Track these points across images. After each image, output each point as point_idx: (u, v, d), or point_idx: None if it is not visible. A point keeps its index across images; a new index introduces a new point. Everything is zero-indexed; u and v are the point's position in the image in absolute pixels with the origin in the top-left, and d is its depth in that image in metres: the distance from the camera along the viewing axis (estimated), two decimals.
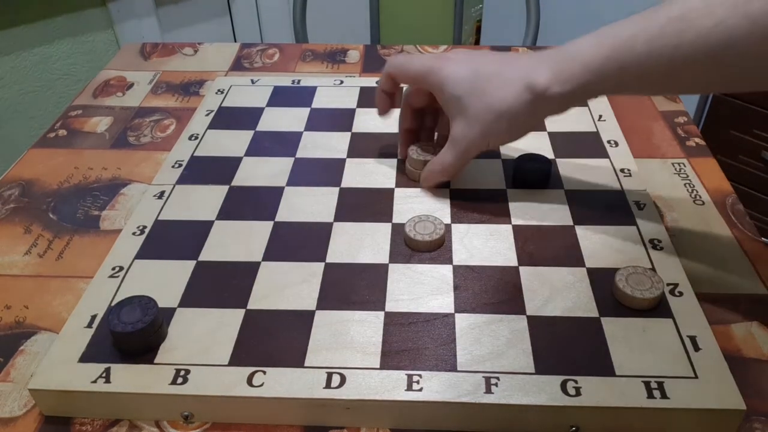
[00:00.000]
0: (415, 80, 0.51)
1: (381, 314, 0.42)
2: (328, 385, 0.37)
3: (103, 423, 0.38)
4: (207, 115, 0.64)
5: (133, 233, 0.49)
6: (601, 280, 0.44)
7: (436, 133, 0.57)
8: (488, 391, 0.36)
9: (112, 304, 0.43)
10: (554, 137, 0.59)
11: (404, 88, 0.55)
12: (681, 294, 0.42)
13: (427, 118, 0.57)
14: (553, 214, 0.50)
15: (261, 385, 0.37)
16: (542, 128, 0.60)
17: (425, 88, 0.51)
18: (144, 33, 1.49)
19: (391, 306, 0.42)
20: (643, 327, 0.40)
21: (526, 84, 0.44)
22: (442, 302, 0.42)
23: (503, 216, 0.50)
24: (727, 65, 0.38)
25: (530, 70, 0.44)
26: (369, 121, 0.63)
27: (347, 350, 0.39)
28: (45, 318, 0.45)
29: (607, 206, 0.50)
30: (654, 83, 0.42)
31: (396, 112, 0.56)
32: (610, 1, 1.54)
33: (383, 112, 0.55)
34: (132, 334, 0.38)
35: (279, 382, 0.37)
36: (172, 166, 0.57)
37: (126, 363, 0.39)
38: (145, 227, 0.50)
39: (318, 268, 0.45)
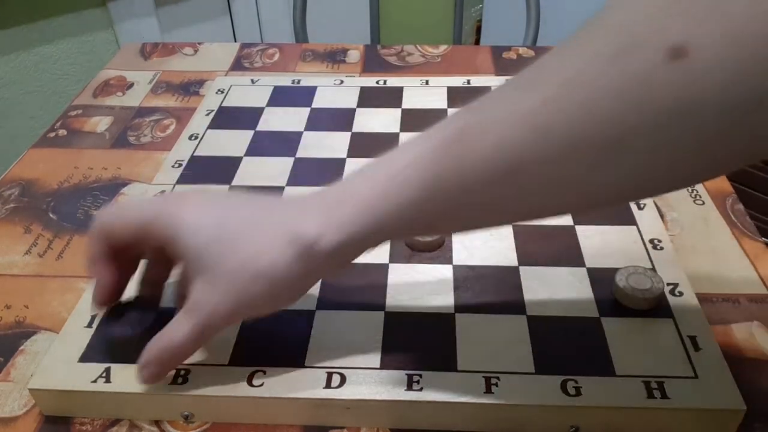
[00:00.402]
0: (135, 233, 0.36)
1: (381, 314, 0.42)
2: (328, 385, 0.37)
3: (103, 423, 0.38)
4: (207, 115, 0.64)
5: None
6: (601, 280, 0.44)
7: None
8: (488, 391, 0.36)
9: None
10: None
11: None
12: (681, 294, 0.42)
13: (151, 265, 0.41)
14: None
15: (261, 385, 0.37)
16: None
17: (152, 242, 0.36)
18: (144, 33, 1.49)
19: (391, 306, 0.42)
20: (643, 327, 0.40)
21: (291, 235, 0.33)
22: (442, 302, 0.42)
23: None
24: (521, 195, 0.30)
25: (295, 217, 0.34)
26: (369, 121, 0.63)
27: (347, 350, 0.39)
28: (45, 318, 0.45)
29: None
30: (446, 222, 0.34)
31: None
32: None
33: (102, 304, 0.39)
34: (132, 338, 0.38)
35: (279, 382, 0.37)
36: (172, 166, 0.57)
37: (126, 363, 0.39)
38: None
39: None
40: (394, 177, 0.32)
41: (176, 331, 0.35)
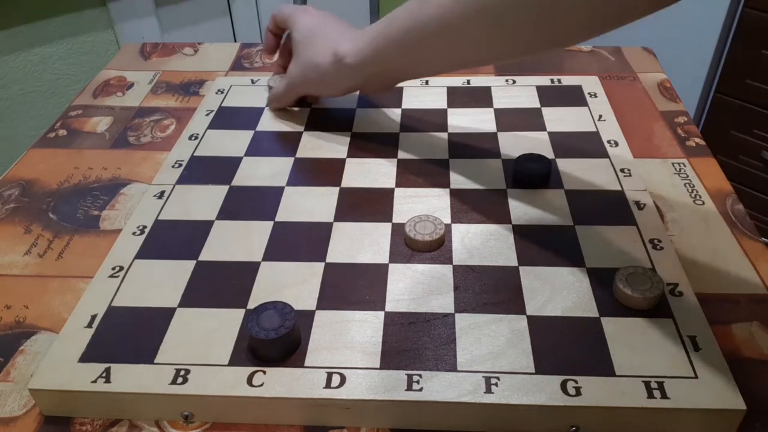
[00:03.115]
0: (283, 22, 0.63)
1: (381, 314, 0.42)
2: (328, 385, 0.37)
3: (103, 423, 0.38)
4: (207, 115, 0.64)
5: (133, 233, 0.49)
6: (601, 280, 0.44)
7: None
8: (488, 391, 0.36)
9: (112, 304, 0.43)
10: (554, 137, 0.59)
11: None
12: (681, 294, 0.42)
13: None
14: (553, 214, 0.50)
15: (261, 385, 0.37)
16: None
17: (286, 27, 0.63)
18: (144, 33, 1.49)
19: (391, 306, 0.42)
20: (643, 327, 0.40)
21: (333, 49, 0.55)
22: (442, 302, 0.42)
23: (503, 216, 0.50)
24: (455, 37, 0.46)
25: (339, 39, 0.55)
26: (369, 121, 0.63)
27: (347, 350, 0.39)
28: (45, 318, 0.45)
29: (607, 206, 0.50)
30: (410, 57, 0.51)
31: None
32: None
33: (270, 51, 0.66)
34: (274, 341, 0.38)
35: (279, 382, 0.37)
36: (172, 166, 0.57)
37: (126, 363, 0.39)
38: (145, 227, 0.50)
39: (318, 268, 0.45)
40: (391, 21, 0.51)
41: (280, 85, 0.63)
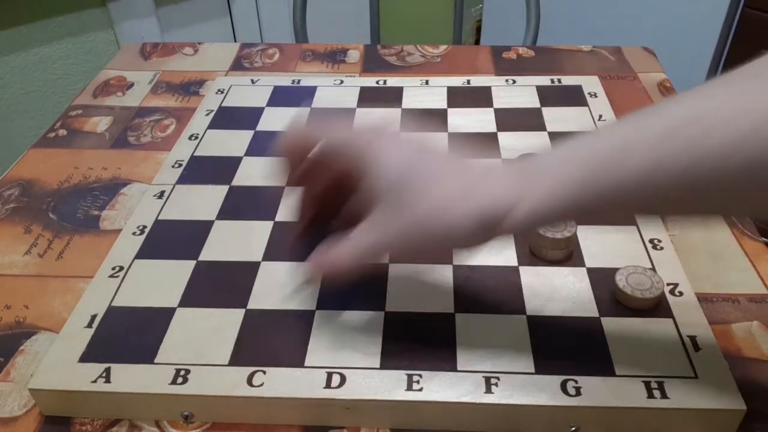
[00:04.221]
0: (346, 159, 0.38)
1: (381, 314, 0.42)
2: (328, 385, 0.37)
3: (103, 423, 0.38)
4: (207, 115, 0.64)
5: (133, 233, 0.49)
6: (601, 280, 0.44)
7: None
8: (488, 391, 0.36)
9: (112, 304, 0.43)
10: (554, 137, 0.59)
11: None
12: (681, 294, 0.42)
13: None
14: None
15: (261, 385, 0.37)
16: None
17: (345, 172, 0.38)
18: (144, 33, 1.49)
19: (391, 306, 0.42)
20: (643, 327, 0.40)
21: (483, 205, 0.33)
22: (442, 302, 0.42)
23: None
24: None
25: (489, 188, 0.34)
26: (369, 121, 0.63)
27: (347, 350, 0.39)
28: (45, 318, 0.45)
29: None
30: (646, 211, 0.33)
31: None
32: (609, 2, 1.54)
33: (296, 182, 0.42)
34: None
35: (279, 382, 0.37)
36: (172, 166, 0.57)
37: (126, 363, 0.39)
38: (145, 227, 0.50)
39: None
40: (602, 162, 0.30)
41: (342, 252, 0.36)
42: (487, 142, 0.59)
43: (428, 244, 0.35)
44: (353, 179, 0.37)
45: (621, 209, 0.33)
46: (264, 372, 0.38)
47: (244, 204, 0.52)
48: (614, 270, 0.43)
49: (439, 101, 0.65)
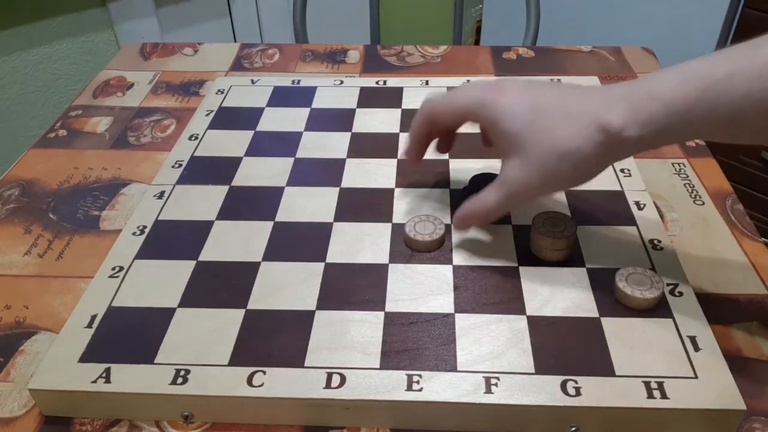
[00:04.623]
0: (463, 117, 0.45)
1: (381, 314, 0.42)
2: (328, 385, 0.37)
3: (103, 423, 0.38)
4: (207, 115, 0.64)
5: (133, 233, 0.49)
6: (601, 280, 0.44)
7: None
8: (488, 391, 0.36)
9: (112, 304, 0.43)
10: None
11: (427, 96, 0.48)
12: (681, 294, 0.42)
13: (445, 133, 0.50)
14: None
15: (261, 385, 0.37)
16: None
17: (474, 122, 0.44)
18: (144, 33, 1.49)
19: (391, 306, 0.42)
20: (643, 327, 0.40)
21: (598, 123, 0.37)
22: (442, 302, 0.42)
23: (503, 216, 0.50)
24: None
25: (602, 107, 0.38)
26: (369, 121, 0.63)
27: (347, 350, 0.39)
28: (45, 318, 0.45)
29: (608, 206, 0.50)
30: (747, 132, 0.36)
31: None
32: (609, 2, 1.54)
33: (417, 161, 0.49)
34: None
35: (279, 382, 0.37)
36: (172, 166, 0.57)
37: (126, 363, 0.39)
38: (145, 227, 0.50)
39: (318, 268, 0.45)
40: (710, 84, 0.34)
41: (489, 197, 0.43)
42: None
43: (567, 170, 0.39)
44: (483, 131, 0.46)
45: (710, 131, 0.37)
46: (264, 372, 0.38)
47: (244, 204, 0.52)
48: (614, 270, 0.43)
49: None
